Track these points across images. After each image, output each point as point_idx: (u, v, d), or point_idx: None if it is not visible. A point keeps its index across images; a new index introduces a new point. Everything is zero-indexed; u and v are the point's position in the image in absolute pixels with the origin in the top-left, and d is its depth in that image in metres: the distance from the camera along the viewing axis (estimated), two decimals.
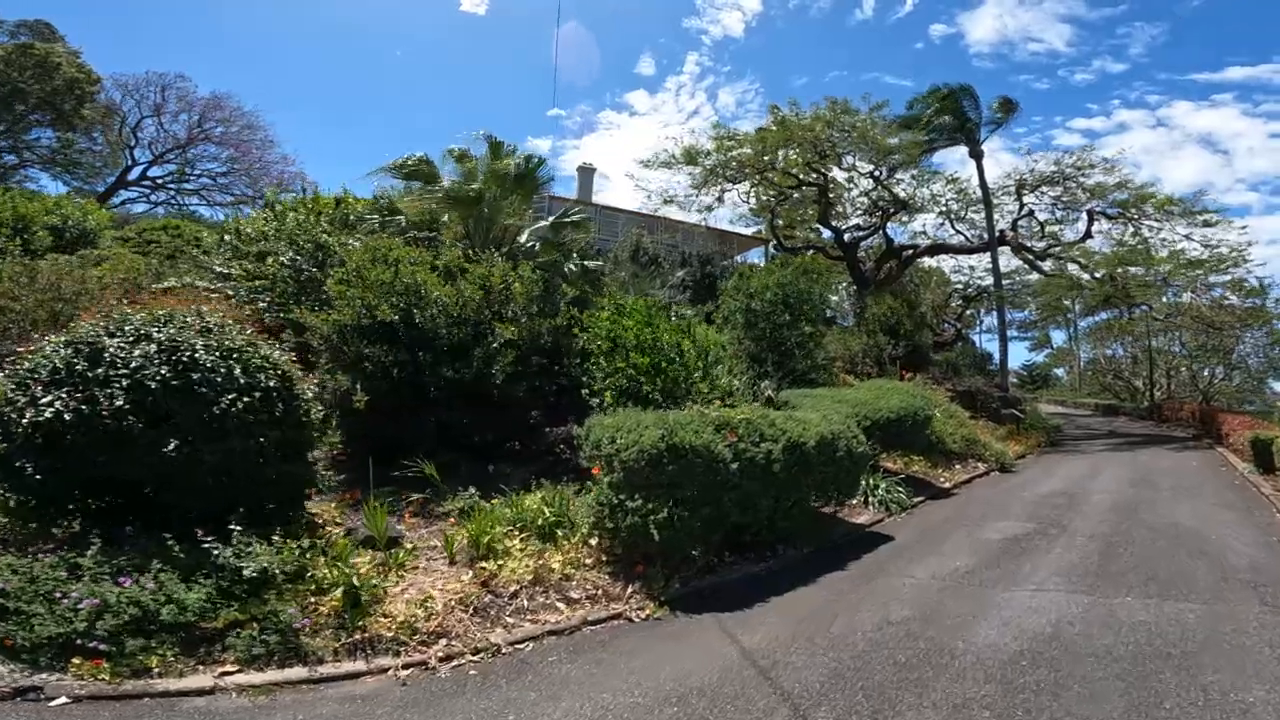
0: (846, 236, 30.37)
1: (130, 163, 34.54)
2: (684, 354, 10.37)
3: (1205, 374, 33.56)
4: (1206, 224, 23.19)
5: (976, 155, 27.00)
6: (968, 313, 40.90)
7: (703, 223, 31.41)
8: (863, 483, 10.06)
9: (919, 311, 25.62)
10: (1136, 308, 28.15)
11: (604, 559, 6.39)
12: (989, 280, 34.58)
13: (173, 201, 35.47)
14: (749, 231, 36.01)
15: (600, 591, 5.97)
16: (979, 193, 27.39)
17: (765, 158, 27.68)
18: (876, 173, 28.25)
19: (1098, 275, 23.46)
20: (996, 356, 52.49)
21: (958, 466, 13.56)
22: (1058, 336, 51.43)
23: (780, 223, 33.44)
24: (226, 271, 12.61)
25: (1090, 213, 26.19)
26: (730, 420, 6.77)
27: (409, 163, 13.73)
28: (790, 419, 7.62)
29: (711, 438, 6.38)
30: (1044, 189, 26.59)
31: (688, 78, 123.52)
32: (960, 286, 39.49)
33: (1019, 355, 54.77)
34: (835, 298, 32.41)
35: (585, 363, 10.33)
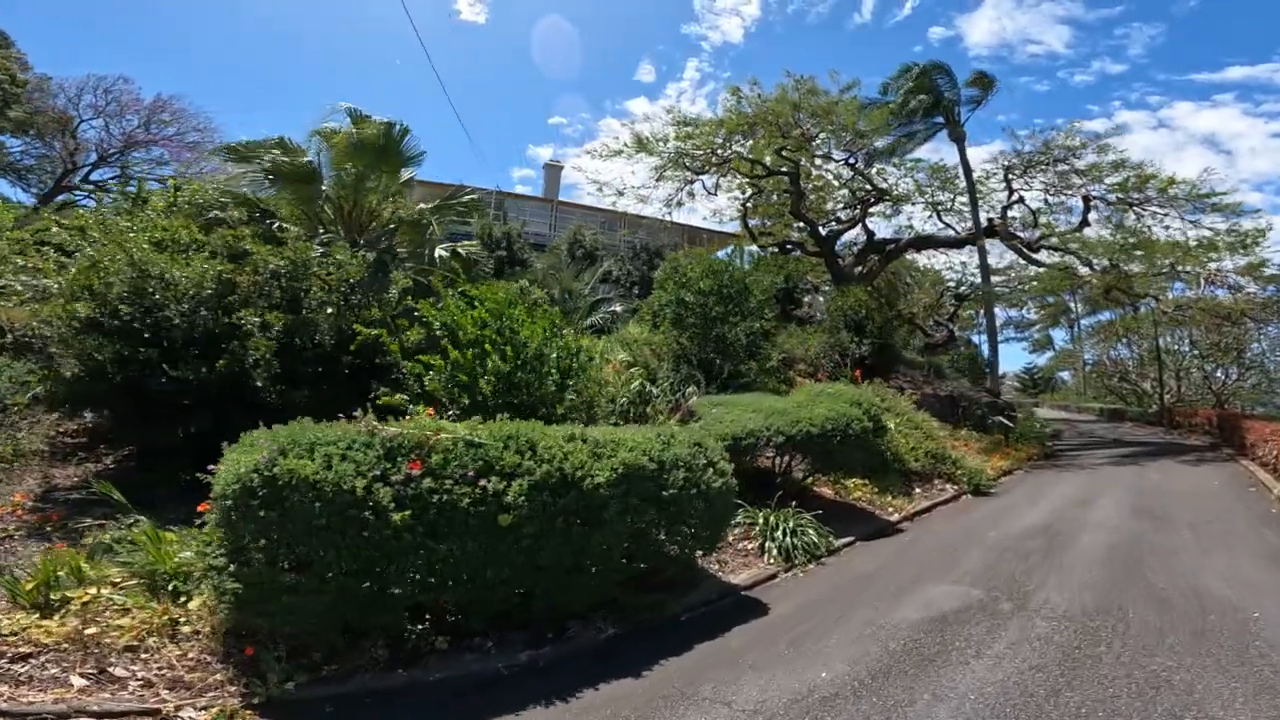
0: (824, 230, 27.54)
1: (70, 166, 32.56)
2: (542, 356, 7.76)
3: (1219, 375, 30.35)
4: (1216, 209, 20.19)
5: (957, 138, 24.17)
6: (965, 313, 37.86)
7: (666, 217, 28.72)
8: (762, 519, 7.32)
9: (893, 306, 22.81)
10: (1142, 303, 25.15)
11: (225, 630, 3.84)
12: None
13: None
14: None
15: (171, 674, 3.70)
16: (965, 180, 24.53)
17: (729, 144, 25.03)
18: (852, 159, 25.52)
19: (1095, 263, 20.48)
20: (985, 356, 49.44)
21: (917, 491, 10.71)
22: (1059, 337, 48.18)
23: (755, 221, 30.79)
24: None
25: (1086, 198, 23.25)
26: (427, 441, 4.02)
27: (243, 146, 11.12)
28: (599, 442, 4.86)
29: (357, 468, 3.67)
30: (1034, 174, 23.72)
31: (688, 84, 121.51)
32: (953, 285, 36.43)
33: (1020, 358, 51.57)
34: (810, 295, 29.41)
35: (409, 362, 7.74)
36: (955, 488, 11.21)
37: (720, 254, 35.19)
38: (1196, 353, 28.68)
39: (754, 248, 30.79)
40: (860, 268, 28.25)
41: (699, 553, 5.93)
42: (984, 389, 21.90)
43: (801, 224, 27.12)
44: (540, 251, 22.16)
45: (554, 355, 8.01)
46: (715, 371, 13.09)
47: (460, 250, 12.74)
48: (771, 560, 6.97)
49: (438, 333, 7.99)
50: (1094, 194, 22.87)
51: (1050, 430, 21.64)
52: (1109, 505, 9.60)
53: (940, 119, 24.98)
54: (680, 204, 27.36)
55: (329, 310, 8.22)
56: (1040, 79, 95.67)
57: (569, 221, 29.01)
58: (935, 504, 10.27)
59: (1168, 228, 20.82)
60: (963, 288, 35.96)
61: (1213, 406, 26.42)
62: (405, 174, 12.20)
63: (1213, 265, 17.95)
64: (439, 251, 12.32)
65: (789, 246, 29.83)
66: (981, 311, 45.08)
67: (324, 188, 11.08)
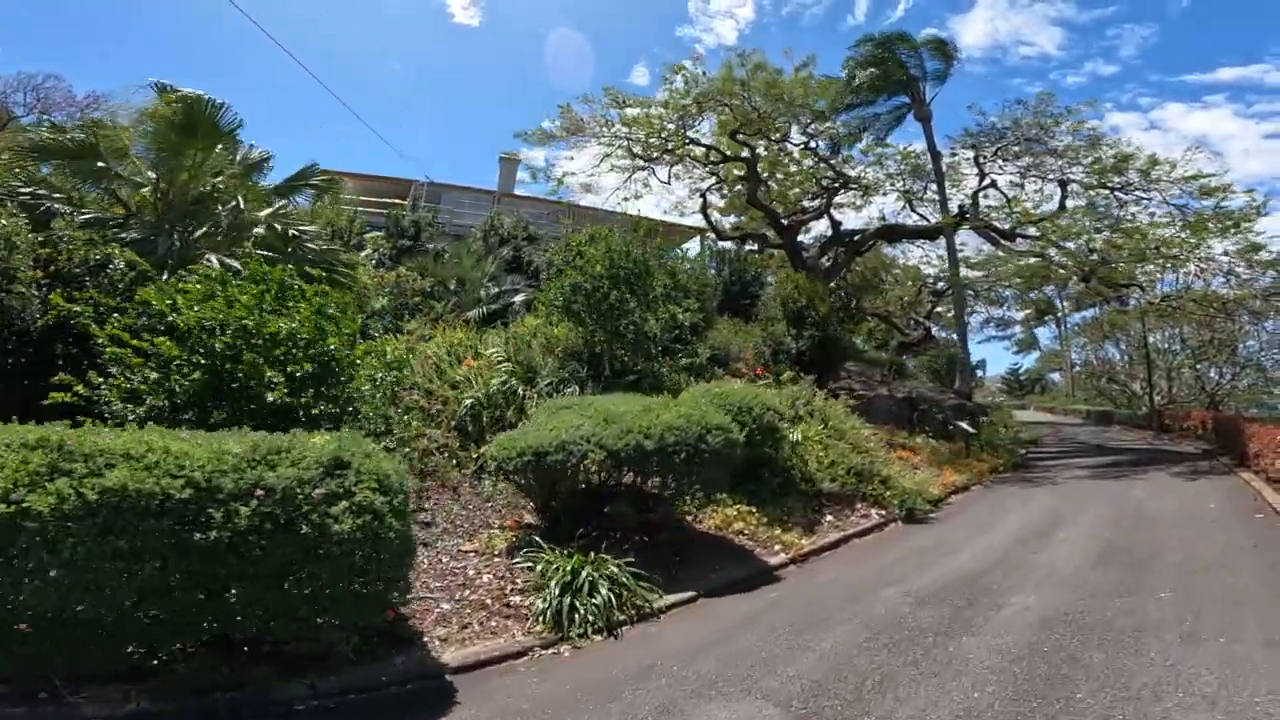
0: (785, 220, 25.18)
1: None
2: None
3: (1212, 374, 27.87)
4: (1205, 193, 17.76)
5: (923, 117, 21.85)
6: (949, 312, 35.38)
7: (618, 209, 26.34)
8: (540, 568, 4.98)
9: (855, 298, 20.44)
10: (1130, 297, 22.78)
11: None
12: (961, 271, 29.26)
13: None
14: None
15: None
16: (932, 163, 22.19)
17: (682, 130, 22.75)
18: (813, 144, 23.22)
19: (1071, 246, 18.09)
20: (974, 357, 46.87)
21: (828, 519, 8.28)
22: (1047, 336, 45.75)
23: (734, 218, 28.50)
24: None
25: (1063, 182, 20.93)
26: None
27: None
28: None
29: None
30: (1006, 156, 21.38)
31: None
32: (930, 280, 34.01)
33: (1005, 359, 49.26)
34: (770, 281, 26.76)
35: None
36: (882, 514, 8.78)
37: (688, 248, 32.95)
38: (1188, 350, 26.25)
39: (728, 243, 28.52)
40: (826, 260, 25.98)
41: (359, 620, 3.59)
42: (953, 390, 19.47)
43: (762, 214, 24.86)
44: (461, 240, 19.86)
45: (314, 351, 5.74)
46: (603, 369, 10.74)
47: (292, 231, 10.42)
48: (539, 626, 4.63)
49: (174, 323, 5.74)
50: (1072, 177, 20.56)
51: (1027, 436, 19.21)
52: (1072, 539, 7.16)
53: (905, 99, 22.65)
54: (638, 196, 25.08)
55: (34, 293, 5.95)
56: (1032, 80, 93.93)
57: (516, 215, 26.65)
58: (847, 536, 7.84)
59: (1153, 214, 18.50)
60: (940, 283, 33.56)
61: (1206, 408, 23.99)
62: (241, 153, 10.30)
63: (1202, 250, 15.50)
64: (258, 230, 10.05)
65: (750, 237, 27.58)
66: (968, 310, 42.88)
67: (119, 168, 9.10)
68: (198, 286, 5.84)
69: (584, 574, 5.09)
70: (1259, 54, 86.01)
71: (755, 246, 27.16)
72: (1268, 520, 7.82)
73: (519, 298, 14.23)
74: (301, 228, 10.76)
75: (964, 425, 14.28)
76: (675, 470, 6.02)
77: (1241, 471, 11.50)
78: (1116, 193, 19.77)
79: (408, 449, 8.39)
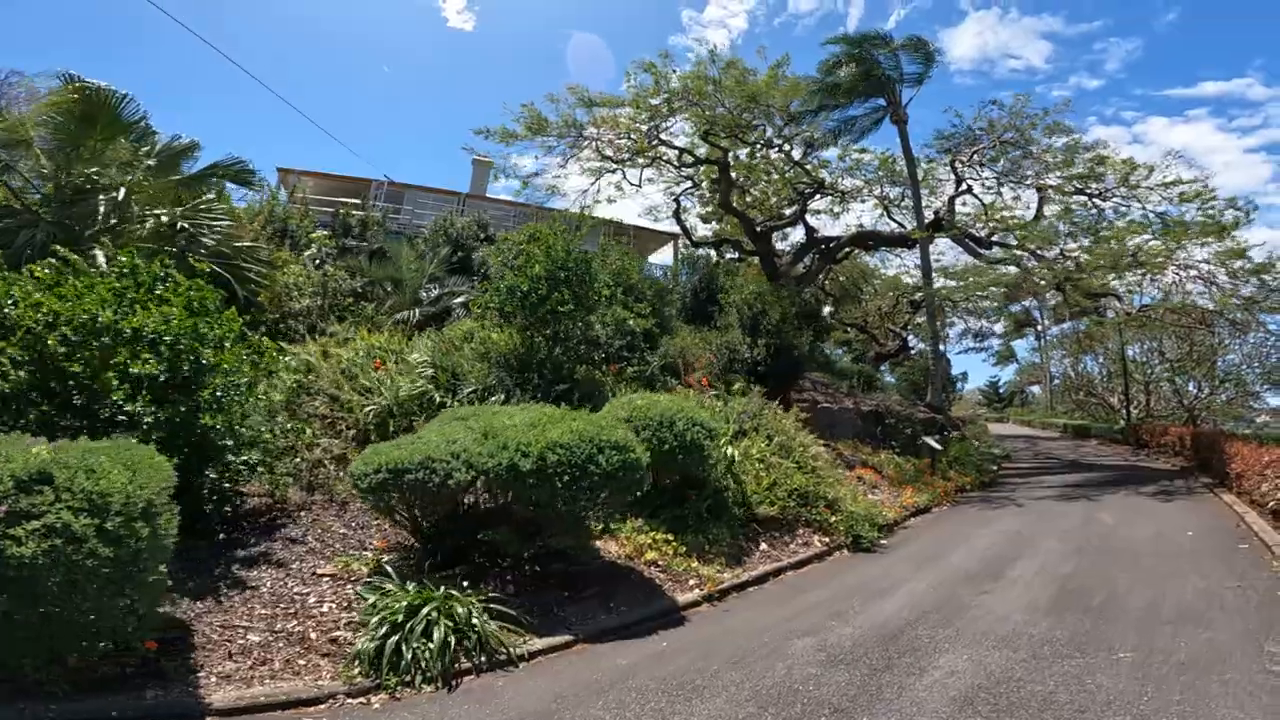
0: (759, 226, 24.42)
1: None
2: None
3: (1191, 389, 27.21)
4: (1184, 198, 17.12)
5: (899, 120, 21.10)
6: (930, 323, 34.69)
7: (587, 211, 25.47)
8: (380, 605, 4.07)
9: (811, 301, 19.60)
10: (1106, 308, 22.09)
11: None
12: (940, 281, 28.61)
13: None
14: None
15: None
16: (907, 167, 21.47)
17: (655, 131, 21.98)
18: (788, 146, 22.49)
19: (1042, 253, 17.37)
20: (955, 369, 46.12)
21: (762, 548, 7.36)
22: (1024, 348, 45.18)
23: (697, 220, 27.77)
24: None
25: (1040, 188, 20.30)
26: None
27: None
28: None
29: None
30: (982, 159, 20.72)
31: None
32: (909, 290, 33.34)
33: (986, 371, 48.71)
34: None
35: None
36: (826, 541, 7.87)
37: (659, 256, 32.08)
38: (1167, 364, 25.60)
39: (708, 251, 27.69)
40: (799, 267, 25.23)
41: None
42: (924, 404, 18.65)
43: (732, 215, 24.10)
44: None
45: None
46: (532, 377, 9.83)
47: (183, 223, 9.48)
48: (356, 669, 3.77)
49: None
50: (1049, 183, 19.91)
51: (1000, 451, 18.38)
52: (1027, 577, 6.27)
53: (881, 101, 21.90)
54: (611, 200, 24.29)
55: None
56: (1019, 93, 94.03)
57: (476, 215, 25.72)
58: (781, 569, 6.93)
59: (1131, 222, 17.83)
60: (919, 293, 32.88)
61: (1184, 423, 23.30)
62: (160, 144, 9.52)
63: (1180, 257, 14.76)
64: (149, 224, 9.12)
65: (724, 243, 26.82)
66: (947, 321, 42.23)
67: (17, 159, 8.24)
68: (45, 273, 5.02)
69: (425, 611, 4.18)
70: (1242, 67, 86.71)
71: (736, 255, 26.41)
72: (1253, 552, 6.96)
73: (459, 300, 13.25)
74: (214, 222, 9.86)
75: (930, 441, 13.42)
76: (558, 495, 5.09)
77: (1222, 493, 10.69)
78: (1095, 200, 19.16)
79: (297, 459, 7.50)
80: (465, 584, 4.77)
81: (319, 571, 5.48)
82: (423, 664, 3.95)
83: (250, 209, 18.42)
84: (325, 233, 16.92)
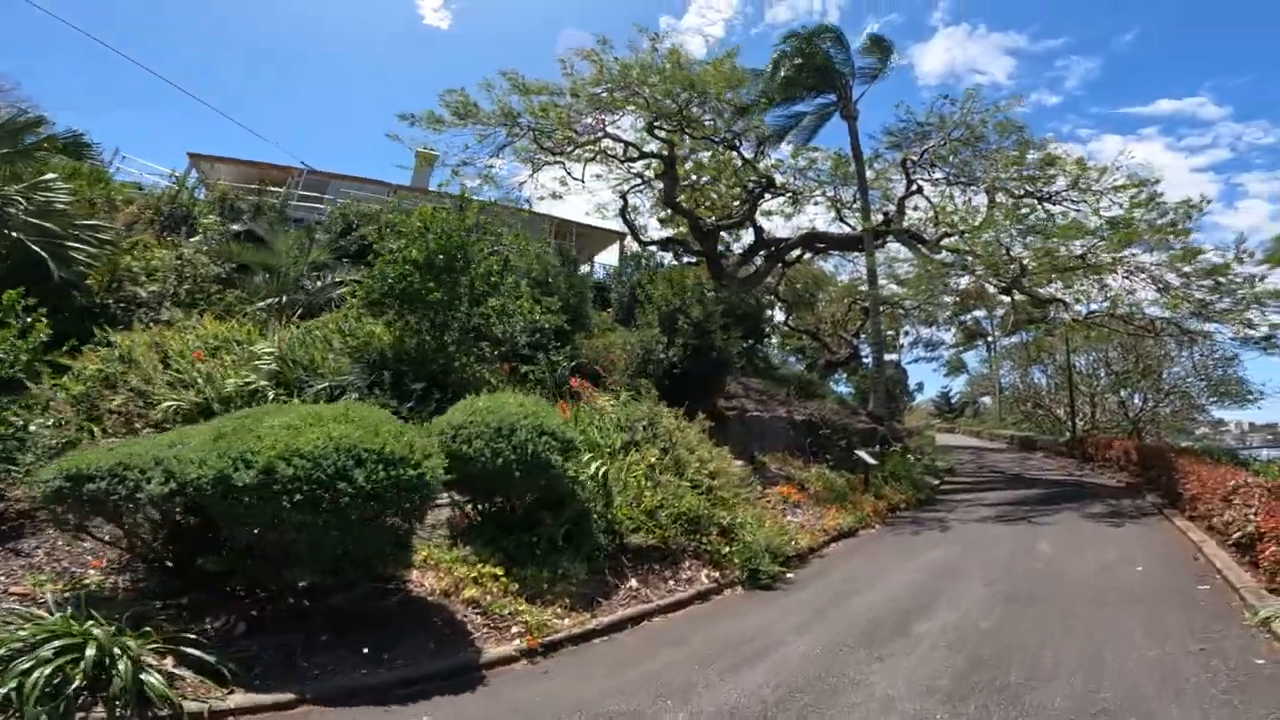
0: (706, 225, 23.15)
1: None
2: None
3: (1136, 401, 26.79)
4: (1136, 203, 16.34)
5: (849, 116, 20.10)
6: (874, 326, 33.85)
7: (526, 206, 23.88)
8: None
9: (751, 301, 18.35)
10: (1055, 315, 21.34)
11: None
12: (892, 288, 27.67)
13: None
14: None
15: None
16: (855, 165, 20.45)
17: (600, 124, 20.54)
18: (736, 142, 21.27)
19: (975, 249, 16.45)
20: (911, 379, 45.57)
21: (631, 584, 5.90)
22: (974, 360, 44.95)
23: (655, 220, 26.41)
24: None
25: (990, 189, 19.46)
26: None
27: None
28: None
29: None
30: (933, 161, 19.81)
31: None
32: (862, 296, 32.47)
33: (937, 380, 48.46)
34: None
35: None
36: (716, 576, 6.46)
37: (608, 256, 30.61)
38: (1112, 375, 25.07)
39: (655, 251, 26.33)
40: (746, 268, 24.06)
41: None
42: (866, 413, 17.52)
43: (673, 211, 22.80)
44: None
45: None
46: (389, 375, 8.27)
47: None
48: None
49: None
50: (1000, 185, 19.07)
51: (944, 464, 17.34)
52: (935, 636, 4.91)
53: (832, 96, 20.86)
54: (557, 195, 22.72)
55: None
56: (969, 88, 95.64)
57: (400, 204, 23.92)
58: (647, 613, 5.48)
59: (1075, 221, 17.02)
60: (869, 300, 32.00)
61: (1129, 435, 22.71)
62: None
63: (1128, 258, 13.89)
64: None
65: (673, 242, 25.51)
66: (901, 330, 41.62)
67: None
68: None
69: (50, 647, 2.62)
70: (1195, 87, 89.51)
71: (689, 256, 25.10)
72: (1216, 597, 5.73)
73: (343, 290, 11.60)
74: (44, 196, 8.30)
75: (864, 455, 12.17)
76: (286, 519, 3.56)
77: (1174, 516, 9.61)
78: (1044, 204, 18.36)
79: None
80: (186, 616, 3.37)
81: (12, 590, 4.21)
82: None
83: (151, 194, 16.69)
84: (216, 218, 15.20)
